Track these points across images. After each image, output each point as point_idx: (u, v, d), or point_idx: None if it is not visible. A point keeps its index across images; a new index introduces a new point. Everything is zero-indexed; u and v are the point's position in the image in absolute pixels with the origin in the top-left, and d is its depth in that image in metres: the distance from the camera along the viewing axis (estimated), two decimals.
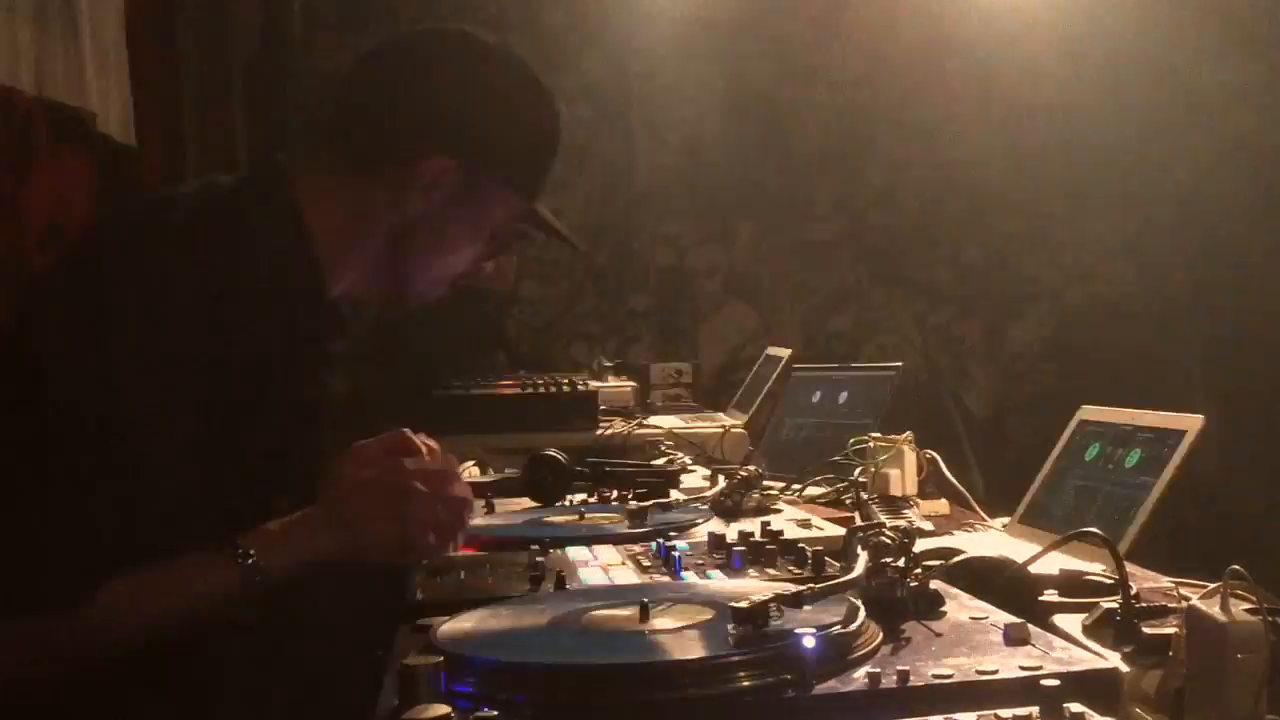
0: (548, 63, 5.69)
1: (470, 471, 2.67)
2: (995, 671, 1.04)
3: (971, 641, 1.14)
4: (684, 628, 1.15)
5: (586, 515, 1.95)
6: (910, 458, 2.40)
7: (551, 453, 2.14)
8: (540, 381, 3.38)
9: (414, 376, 4.21)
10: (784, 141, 5.92)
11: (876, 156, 5.98)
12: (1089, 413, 2.04)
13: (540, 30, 5.71)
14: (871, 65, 5.93)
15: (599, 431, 3.14)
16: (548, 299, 5.67)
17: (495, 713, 0.95)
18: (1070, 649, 1.11)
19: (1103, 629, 1.31)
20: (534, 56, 5.22)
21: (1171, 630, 1.19)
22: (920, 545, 1.45)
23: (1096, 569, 1.58)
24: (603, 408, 3.35)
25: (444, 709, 0.95)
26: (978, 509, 2.32)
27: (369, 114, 1.65)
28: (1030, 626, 1.16)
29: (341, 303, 1.71)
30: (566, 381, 3.35)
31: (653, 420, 3.38)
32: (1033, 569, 1.47)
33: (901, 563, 1.28)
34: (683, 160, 5.85)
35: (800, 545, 1.51)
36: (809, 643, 1.03)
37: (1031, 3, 5.60)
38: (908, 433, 2.41)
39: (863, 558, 1.28)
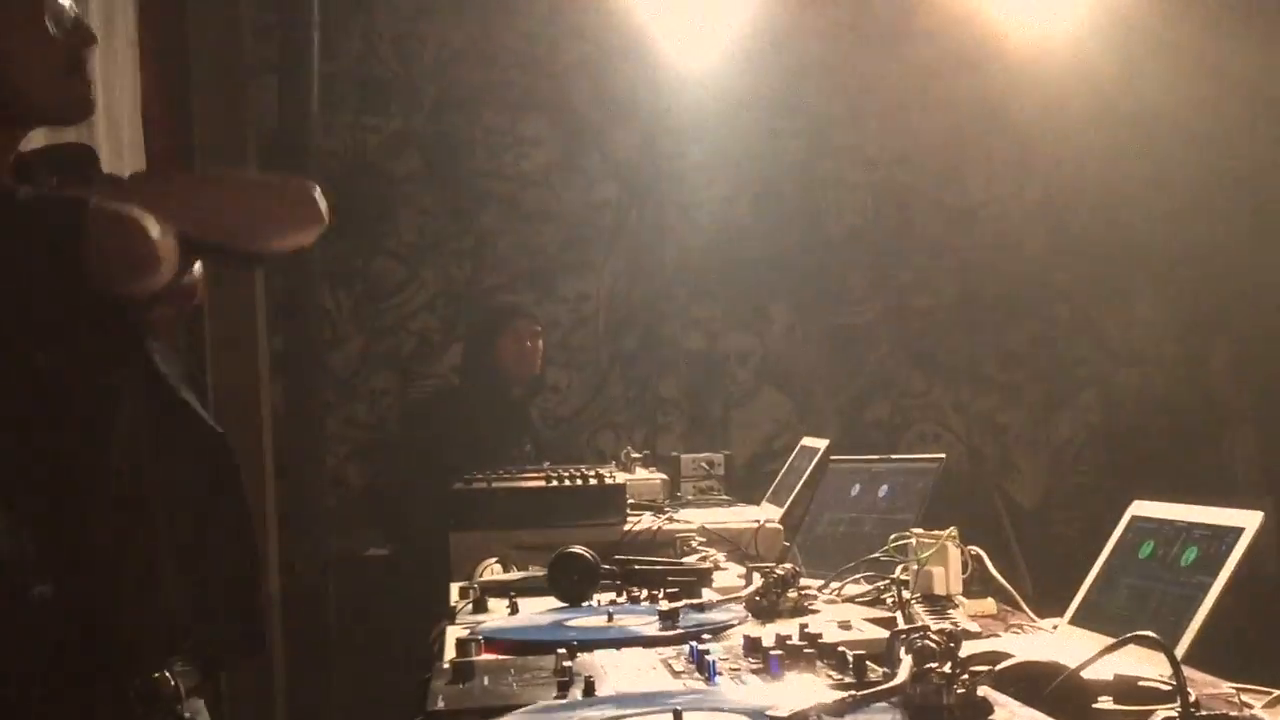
0: (576, 142, 5.78)
1: (492, 569, 2.67)
2: None
3: None
4: None
5: (615, 616, 1.94)
6: (954, 554, 2.39)
7: (578, 550, 2.14)
8: (566, 474, 3.38)
9: (437, 465, 4.22)
10: (819, 222, 5.97)
11: (915, 237, 6.02)
12: (1141, 509, 2.04)
13: (568, 109, 5.80)
14: (909, 143, 5.99)
15: (627, 526, 3.13)
16: (574, 386, 5.69)
17: None
18: None
19: None
20: (562, 136, 5.31)
21: None
22: (967, 648, 1.44)
23: (1153, 674, 1.57)
24: (631, 501, 3.33)
25: None
26: (1025, 609, 2.30)
27: None
28: None
29: None
30: (594, 474, 3.34)
31: (683, 514, 3.37)
32: (1086, 674, 1.47)
33: (947, 668, 1.27)
34: (714, 241, 5.90)
35: (840, 649, 1.50)
36: None
37: (1069, 76, 5.65)
38: (951, 529, 2.41)
39: (906, 662, 1.27)
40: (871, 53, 5.90)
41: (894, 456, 3.01)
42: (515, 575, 2.59)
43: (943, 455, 2.87)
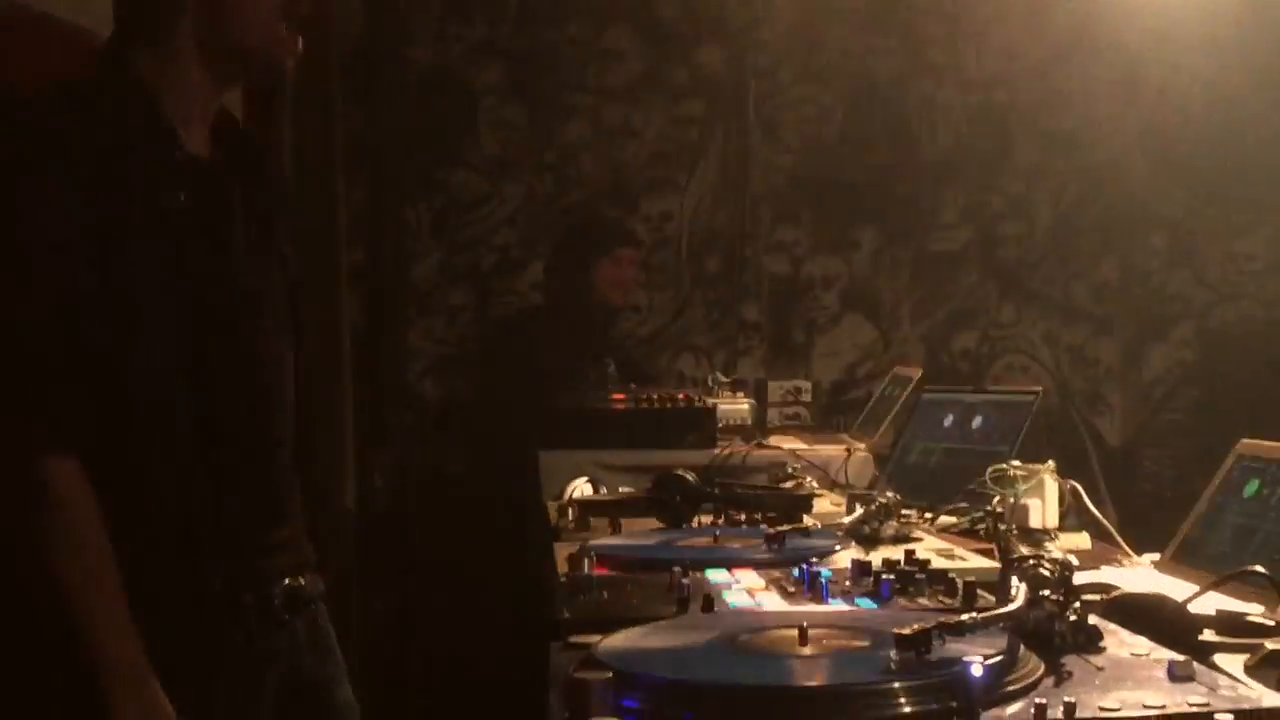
0: (662, 57, 5.83)
1: (581, 489, 2.77)
2: (1163, 707, 1.13)
3: (1135, 677, 1.23)
4: (844, 652, 1.25)
5: (720, 538, 2.05)
6: (1052, 488, 2.48)
7: (681, 472, 2.24)
8: (655, 396, 3.49)
9: (521, 385, 4.33)
10: (911, 145, 5.98)
11: (1010, 163, 6.01)
12: (1248, 447, 2.10)
13: (654, 22, 5.82)
14: (1007, 65, 5.97)
15: (716, 450, 3.24)
16: (654, 307, 5.77)
17: None
18: (1237, 687, 1.19)
19: (1266, 671, 1.39)
20: (647, 50, 5.34)
21: None
22: (1076, 579, 1.53)
23: (1256, 610, 1.66)
24: (719, 425, 3.44)
25: None
26: (1122, 544, 2.38)
27: None
28: (1195, 664, 1.24)
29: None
30: (683, 397, 3.45)
31: (772, 440, 3.47)
32: (1190, 608, 1.55)
33: (1060, 596, 1.37)
34: (801, 162, 5.93)
35: (950, 575, 1.60)
36: (976, 671, 1.12)
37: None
38: (1050, 462, 2.49)
39: (1021, 589, 1.37)
40: None
41: (990, 389, 3.08)
42: (605, 494, 2.69)
43: (1039, 389, 2.93)
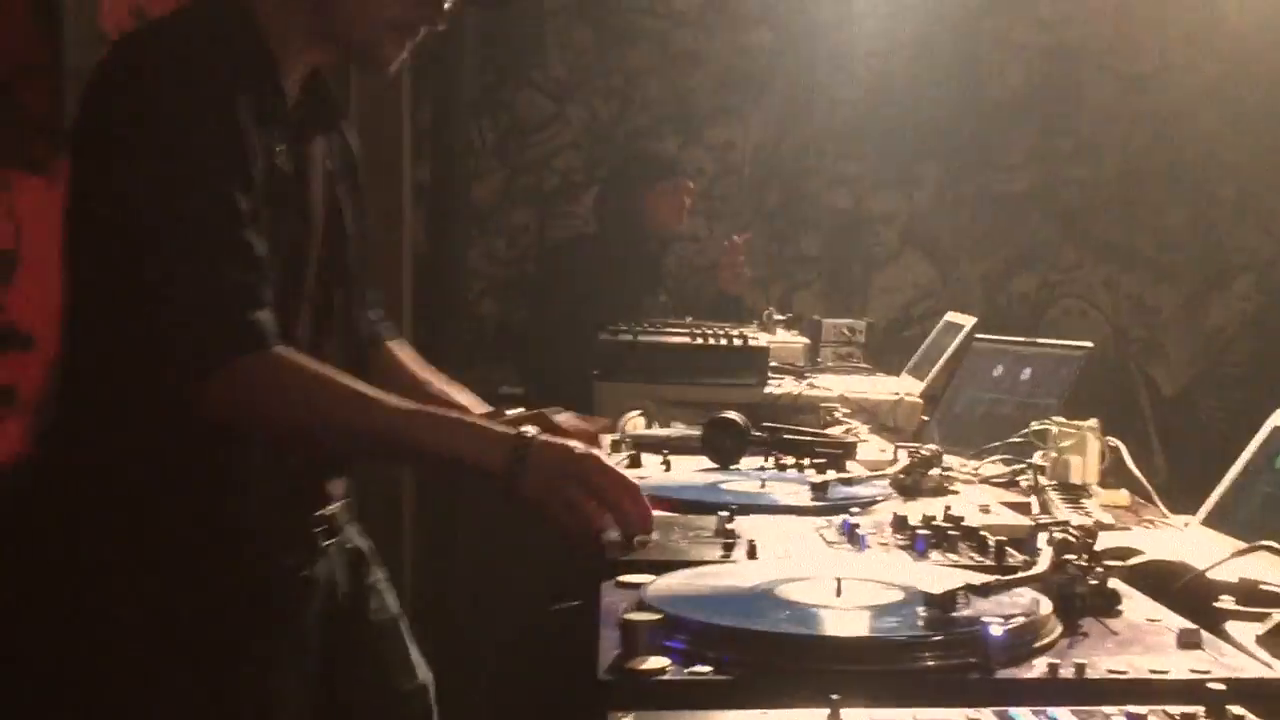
0: None
1: (635, 422, 2.89)
2: (1166, 672, 1.24)
3: (1146, 642, 1.34)
4: (876, 606, 1.36)
5: (767, 483, 2.16)
6: (1094, 445, 2.57)
7: (733, 416, 2.35)
8: (711, 332, 3.59)
9: (575, 312, 4.44)
10: (978, 83, 6.01)
11: (1078, 105, 6.04)
12: None
13: None
14: (1080, 6, 5.98)
15: (768, 389, 3.34)
16: (713, 237, 5.86)
17: (709, 669, 1.19)
18: (1239, 656, 1.30)
19: (1276, 640, 1.49)
20: None
21: None
22: (1101, 542, 1.64)
23: (1278, 579, 1.75)
24: (773, 364, 3.54)
25: (664, 661, 1.20)
26: (1158, 503, 2.48)
27: None
28: (1203, 633, 1.35)
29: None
30: (738, 334, 3.55)
31: (823, 380, 3.57)
32: (1212, 575, 1.66)
33: (1084, 560, 1.48)
34: (867, 97, 5.99)
35: (982, 533, 1.71)
36: (996, 631, 1.24)
37: None
38: (1093, 420, 2.58)
39: (1047, 553, 1.48)
40: None
41: (1040, 340, 3.15)
42: (661, 431, 2.80)
43: (1090, 344, 3.01)
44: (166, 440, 1.87)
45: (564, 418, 2.22)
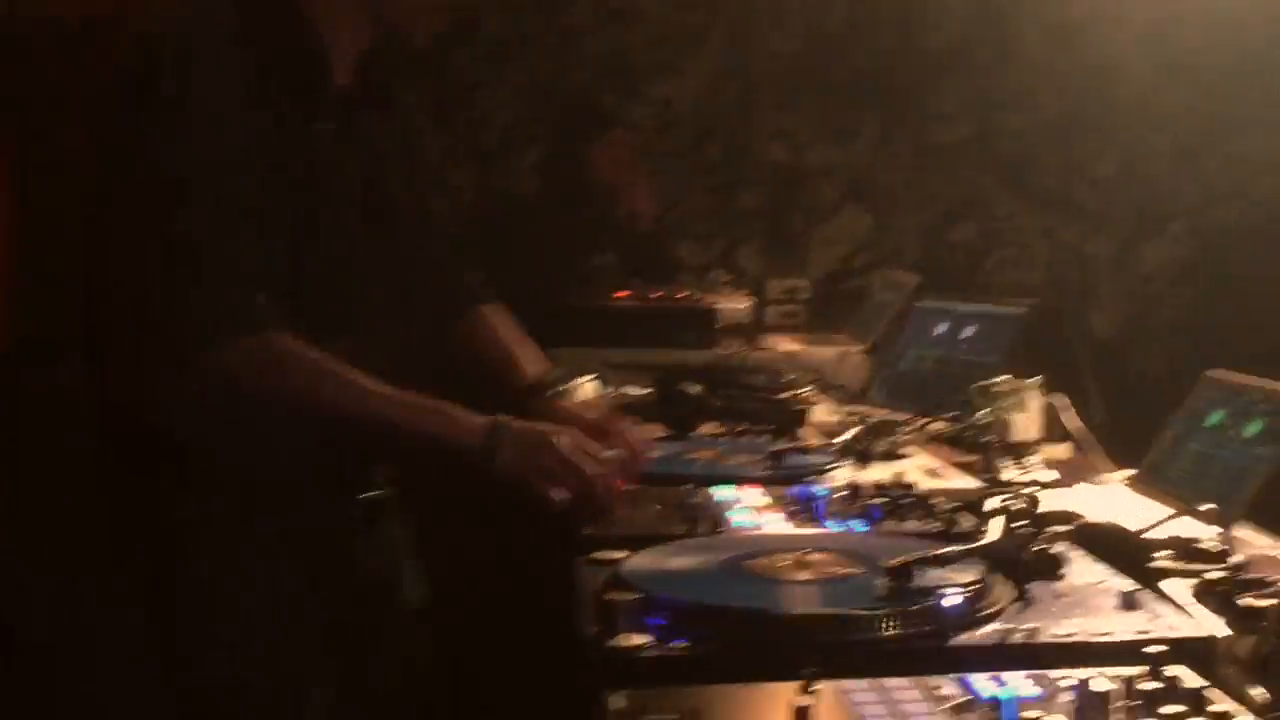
0: None
1: (589, 387, 2.97)
2: (1110, 634, 1.34)
3: (1089, 605, 1.44)
4: (835, 579, 1.46)
5: (725, 454, 2.26)
6: (1035, 403, 2.69)
7: (685, 387, 2.45)
8: (656, 295, 3.67)
9: (519, 277, 4.48)
10: (914, 34, 6.08)
11: (1012, 55, 6.11)
12: (1215, 376, 2.29)
13: None
14: None
15: (716, 350, 3.43)
16: (654, 194, 5.90)
17: (687, 643, 1.29)
18: (1176, 615, 1.41)
19: (1206, 598, 1.60)
20: None
21: (1269, 602, 1.48)
22: (1044, 503, 1.74)
23: (1212, 533, 1.87)
24: (719, 326, 3.63)
25: (646, 638, 1.29)
26: (1102, 457, 2.58)
27: None
28: (1141, 594, 1.45)
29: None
30: (684, 296, 3.63)
31: (769, 341, 3.67)
32: (1149, 535, 1.77)
33: (1028, 526, 1.58)
34: (803, 50, 6.04)
35: (932, 501, 1.82)
36: (950, 601, 1.34)
37: None
38: (1037, 378, 2.69)
39: (998, 523, 1.58)
40: None
41: (982, 300, 3.25)
42: (614, 392, 2.89)
43: (1034, 301, 3.11)
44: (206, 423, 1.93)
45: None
